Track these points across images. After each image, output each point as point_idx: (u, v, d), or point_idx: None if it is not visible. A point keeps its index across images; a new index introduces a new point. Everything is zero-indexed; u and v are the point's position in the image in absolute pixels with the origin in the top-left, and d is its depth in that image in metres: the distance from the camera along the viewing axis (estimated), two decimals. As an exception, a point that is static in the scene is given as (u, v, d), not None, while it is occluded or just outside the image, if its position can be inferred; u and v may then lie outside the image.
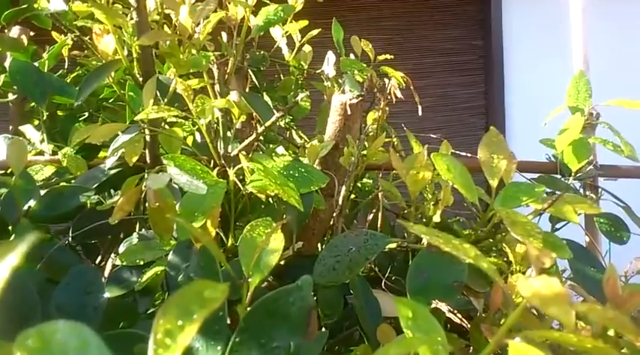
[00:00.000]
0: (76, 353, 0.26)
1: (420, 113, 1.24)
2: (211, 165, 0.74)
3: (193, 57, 0.71)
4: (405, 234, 0.66)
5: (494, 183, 0.52)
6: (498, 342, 0.30)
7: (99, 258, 1.01)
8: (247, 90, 1.04)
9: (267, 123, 0.68)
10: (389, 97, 1.12)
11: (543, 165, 1.10)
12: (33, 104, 1.09)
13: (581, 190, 1.06)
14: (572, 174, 1.03)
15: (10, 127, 1.14)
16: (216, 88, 0.75)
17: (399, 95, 1.12)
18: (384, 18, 2.95)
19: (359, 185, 1.16)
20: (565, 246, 0.50)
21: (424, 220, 0.78)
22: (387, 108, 1.14)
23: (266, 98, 1.20)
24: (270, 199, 0.75)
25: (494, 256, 0.75)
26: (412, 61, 2.96)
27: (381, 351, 0.32)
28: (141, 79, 0.77)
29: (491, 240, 0.60)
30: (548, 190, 1.02)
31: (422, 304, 0.48)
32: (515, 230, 0.44)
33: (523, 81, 2.85)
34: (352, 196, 1.10)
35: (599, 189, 1.05)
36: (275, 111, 0.71)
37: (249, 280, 0.42)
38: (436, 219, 0.63)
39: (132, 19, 0.74)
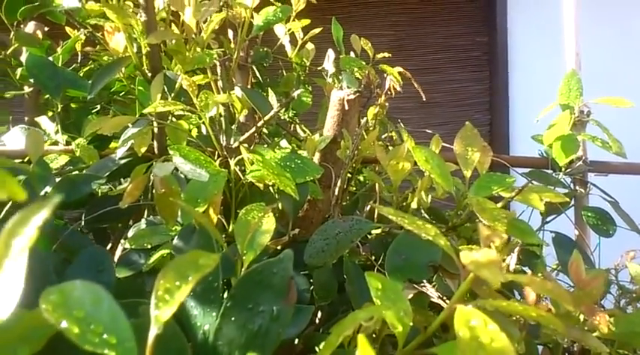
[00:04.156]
0: (91, 306, 0.31)
1: (423, 99, 1.28)
2: (215, 156, 0.79)
3: (198, 54, 0.76)
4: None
5: (467, 173, 0.57)
6: (450, 308, 0.35)
7: (109, 245, 1.07)
8: (250, 85, 1.09)
9: (266, 118, 0.72)
10: (389, 93, 1.17)
11: (535, 161, 1.14)
12: (47, 96, 1.15)
13: (572, 185, 1.11)
14: (562, 169, 1.07)
15: (26, 118, 1.19)
16: (219, 83, 0.80)
17: (399, 89, 1.17)
18: (391, 14, 2.99)
19: (360, 178, 1.21)
20: (534, 232, 0.55)
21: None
22: (386, 104, 1.19)
23: (270, 93, 1.25)
24: (271, 189, 0.80)
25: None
26: (418, 57, 3.00)
27: (351, 316, 0.37)
28: (149, 75, 0.82)
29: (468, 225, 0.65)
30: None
31: (398, 282, 0.53)
32: (483, 215, 0.48)
33: (528, 77, 2.88)
34: (353, 188, 1.15)
35: (588, 184, 1.09)
36: (274, 106, 0.76)
37: (244, 257, 0.47)
38: (414, 205, 0.68)
39: (141, 17, 0.79)
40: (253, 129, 0.73)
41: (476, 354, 0.30)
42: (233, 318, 0.38)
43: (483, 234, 0.36)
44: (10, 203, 0.77)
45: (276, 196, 0.76)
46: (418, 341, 0.38)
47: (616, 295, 1.16)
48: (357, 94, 0.91)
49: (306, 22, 1.08)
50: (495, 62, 2.92)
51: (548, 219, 1.07)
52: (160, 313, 0.29)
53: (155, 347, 0.31)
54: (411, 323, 0.38)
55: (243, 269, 0.45)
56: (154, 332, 0.28)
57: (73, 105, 1.20)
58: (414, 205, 0.69)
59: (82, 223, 0.81)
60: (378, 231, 0.70)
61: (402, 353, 0.38)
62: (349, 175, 0.98)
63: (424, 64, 3.00)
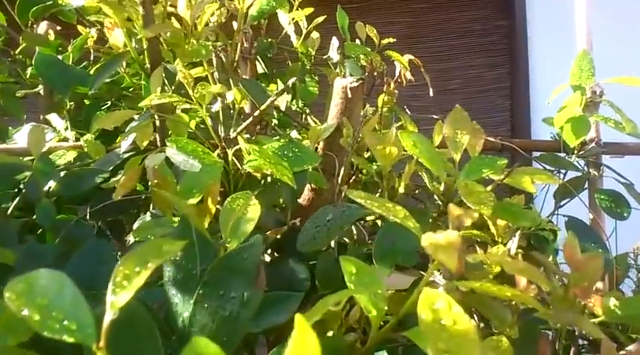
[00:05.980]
0: (54, 294, 0.31)
1: (430, 92, 1.27)
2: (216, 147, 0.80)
3: (195, 47, 0.77)
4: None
5: (456, 156, 0.56)
6: (419, 291, 0.35)
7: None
8: (256, 76, 1.09)
9: (262, 107, 0.73)
10: (399, 80, 1.16)
11: (548, 144, 1.12)
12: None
13: (585, 168, 1.08)
14: (575, 151, 1.05)
15: (42, 117, 1.22)
16: (215, 75, 0.80)
17: (410, 77, 1.16)
18: (409, 0, 2.96)
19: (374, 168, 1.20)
20: (527, 215, 0.54)
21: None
22: (395, 92, 1.18)
23: (280, 84, 1.25)
24: (269, 178, 0.80)
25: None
26: (436, 43, 2.96)
27: (322, 301, 0.37)
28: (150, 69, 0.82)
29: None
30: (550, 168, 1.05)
31: (385, 267, 0.53)
32: (469, 198, 0.48)
33: (548, 61, 2.82)
34: (364, 177, 1.15)
35: (601, 166, 1.07)
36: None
37: (227, 245, 0.47)
38: (401, 190, 0.67)
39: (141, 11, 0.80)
40: (250, 119, 0.74)
41: (438, 336, 0.30)
42: (206, 305, 0.38)
43: (453, 214, 0.35)
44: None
45: (276, 185, 0.76)
46: (390, 325, 0.38)
47: (635, 279, 1.14)
48: (360, 82, 0.90)
49: (309, 10, 1.08)
50: (515, 46, 2.87)
51: (562, 202, 1.05)
52: (116, 299, 0.29)
53: (119, 332, 0.31)
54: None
55: (226, 257, 0.46)
56: (109, 317, 0.29)
57: (87, 102, 1.22)
58: (401, 190, 0.68)
59: (88, 216, 0.82)
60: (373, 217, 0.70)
61: (376, 336, 0.38)
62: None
63: (442, 50, 2.96)
